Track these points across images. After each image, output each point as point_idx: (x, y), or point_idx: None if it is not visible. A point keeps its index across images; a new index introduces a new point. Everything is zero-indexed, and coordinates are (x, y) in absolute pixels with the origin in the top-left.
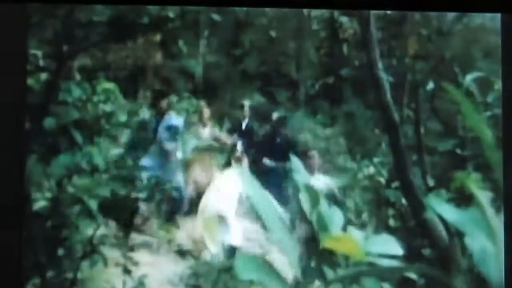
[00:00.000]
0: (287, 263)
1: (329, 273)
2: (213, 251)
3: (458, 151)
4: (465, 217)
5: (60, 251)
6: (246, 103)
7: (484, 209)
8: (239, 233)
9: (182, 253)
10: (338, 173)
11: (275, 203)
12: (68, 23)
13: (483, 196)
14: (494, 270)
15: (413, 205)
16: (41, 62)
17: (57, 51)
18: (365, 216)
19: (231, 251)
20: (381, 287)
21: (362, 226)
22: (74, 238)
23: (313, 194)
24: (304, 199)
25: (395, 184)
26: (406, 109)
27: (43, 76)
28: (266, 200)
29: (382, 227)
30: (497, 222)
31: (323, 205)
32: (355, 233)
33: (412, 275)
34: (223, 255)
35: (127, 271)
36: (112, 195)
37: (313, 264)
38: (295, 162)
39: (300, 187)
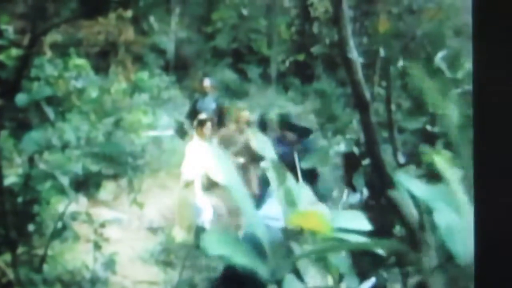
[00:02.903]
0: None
1: (297, 249)
2: (183, 234)
3: (429, 128)
4: (434, 193)
5: (31, 227)
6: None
7: (451, 185)
8: (209, 215)
9: (153, 229)
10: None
11: (238, 177)
12: None
13: (452, 172)
14: (461, 245)
15: (383, 182)
16: (12, 37)
17: (29, 27)
18: (335, 192)
19: (201, 232)
20: (348, 263)
21: (334, 202)
22: (45, 214)
23: (280, 171)
24: (271, 176)
25: (366, 161)
26: (377, 86)
27: (15, 51)
28: (232, 173)
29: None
30: (464, 198)
31: (291, 181)
32: (322, 209)
33: (380, 251)
34: (193, 236)
35: (98, 247)
36: (84, 171)
37: (280, 239)
38: (260, 137)
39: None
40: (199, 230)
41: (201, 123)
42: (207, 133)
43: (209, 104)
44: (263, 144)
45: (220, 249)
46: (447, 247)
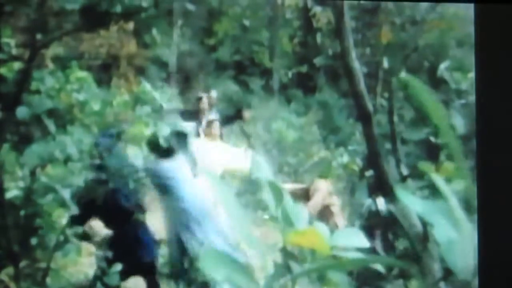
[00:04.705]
0: (254, 257)
1: (296, 268)
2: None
3: (432, 139)
4: (433, 208)
5: (33, 241)
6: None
7: (449, 201)
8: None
9: (155, 242)
10: (312, 161)
11: (234, 197)
12: (41, 12)
13: (451, 188)
14: (460, 261)
15: (386, 194)
16: (14, 51)
17: (30, 40)
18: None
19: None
20: (347, 279)
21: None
22: (48, 227)
23: (277, 191)
24: (268, 196)
25: (369, 173)
26: (379, 98)
27: (16, 65)
28: (227, 192)
29: (356, 215)
30: (462, 214)
31: (288, 201)
32: (320, 227)
33: (379, 267)
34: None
35: (100, 260)
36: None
37: (279, 259)
38: (256, 159)
39: (263, 184)
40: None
41: (209, 124)
42: (216, 132)
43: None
44: (258, 164)
45: (217, 270)
46: (447, 263)
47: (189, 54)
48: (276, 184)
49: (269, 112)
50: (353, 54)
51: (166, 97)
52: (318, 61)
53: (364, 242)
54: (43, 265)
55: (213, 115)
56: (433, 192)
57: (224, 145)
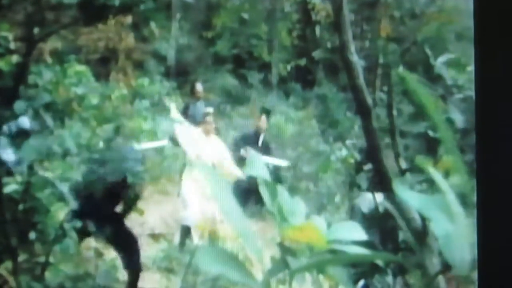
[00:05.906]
0: (251, 252)
1: (293, 263)
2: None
3: (431, 133)
4: (430, 203)
5: (32, 235)
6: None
7: (447, 196)
8: (195, 213)
9: (154, 236)
10: (311, 155)
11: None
12: (39, 6)
13: (448, 182)
14: (458, 255)
15: (385, 188)
16: (12, 45)
17: (28, 34)
18: (337, 199)
19: (186, 233)
20: (347, 275)
21: (335, 209)
22: (46, 221)
23: (271, 188)
24: (264, 191)
25: (368, 166)
26: (378, 91)
27: (14, 58)
28: (221, 187)
29: (354, 210)
30: (460, 209)
31: (284, 195)
32: (318, 221)
33: (380, 262)
34: (178, 233)
35: (99, 255)
36: (84, 178)
37: (276, 255)
38: (252, 154)
39: (258, 179)
40: (184, 230)
41: (205, 122)
42: (211, 128)
43: (201, 109)
44: (254, 160)
45: (214, 266)
46: (445, 256)
47: (187, 48)
48: (270, 182)
49: (267, 106)
50: (352, 47)
51: (165, 90)
52: (317, 54)
53: (362, 235)
54: (41, 259)
55: (204, 108)
56: (432, 186)
57: (218, 141)
